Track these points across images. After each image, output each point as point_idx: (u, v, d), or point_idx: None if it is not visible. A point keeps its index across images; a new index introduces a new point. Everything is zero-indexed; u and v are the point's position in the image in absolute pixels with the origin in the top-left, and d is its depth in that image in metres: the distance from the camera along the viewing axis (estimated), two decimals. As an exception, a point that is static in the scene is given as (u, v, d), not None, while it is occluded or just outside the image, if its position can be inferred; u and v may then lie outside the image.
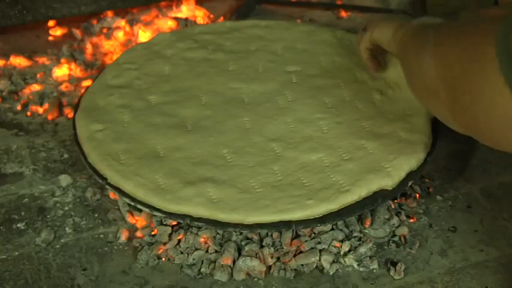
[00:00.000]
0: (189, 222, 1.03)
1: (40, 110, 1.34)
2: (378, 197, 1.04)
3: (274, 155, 1.11)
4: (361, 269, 1.04)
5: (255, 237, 1.06)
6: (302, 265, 1.03)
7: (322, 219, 1.02)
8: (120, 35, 1.53)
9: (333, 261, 1.04)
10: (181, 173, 1.08)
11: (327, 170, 1.07)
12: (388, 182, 1.05)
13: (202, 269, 1.02)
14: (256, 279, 1.02)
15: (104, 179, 1.08)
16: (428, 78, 0.92)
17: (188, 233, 1.06)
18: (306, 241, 1.05)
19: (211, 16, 1.63)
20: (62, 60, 1.46)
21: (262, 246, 1.04)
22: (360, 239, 1.06)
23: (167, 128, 1.16)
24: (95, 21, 1.56)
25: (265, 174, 1.08)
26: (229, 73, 1.30)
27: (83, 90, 1.31)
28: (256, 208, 1.02)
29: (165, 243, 1.06)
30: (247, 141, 1.14)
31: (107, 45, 1.51)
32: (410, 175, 1.08)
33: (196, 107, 1.22)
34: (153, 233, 1.08)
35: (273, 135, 1.15)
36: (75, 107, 1.24)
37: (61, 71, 1.43)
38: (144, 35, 1.52)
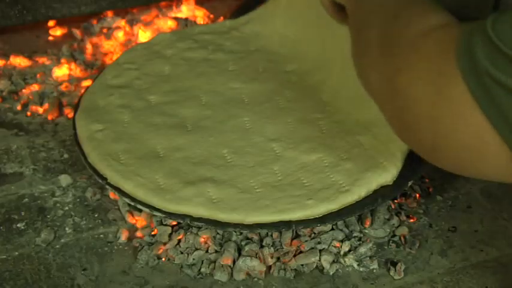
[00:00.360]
0: (189, 222, 1.03)
1: (40, 110, 1.34)
2: (378, 197, 1.04)
3: (274, 155, 1.11)
4: (361, 269, 1.04)
5: (255, 237, 1.06)
6: (302, 265, 1.03)
7: (322, 219, 1.02)
8: (120, 35, 1.53)
9: (333, 261, 1.04)
10: (181, 173, 1.08)
11: (326, 170, 1.07)
12: (387, 178, 1.05)
13: (202, 269, 1.02)
14: (256, 279, 1.02)
15: (104, 179, 1.08)
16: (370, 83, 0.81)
17: (188, 233, 1.06)
18: (306, 241, 1.05)
19: (211, 16, 1.63)
20: (62, 60, 1.46)
21: (262, 246, 1.04)
22: (360, 239, 1.06)
23: (167, 128, 1.16)
24: (95, 21, 1.56)
25: (265, 174, 1.08)
26: (229, 73, 1.30)
27: (83, 90, 1.31)
28: (256, 208, 1.02)
29: (165, 243, 1.06)
30: (247, 141, 1.14)
31: (107, 45, 1.51)
32: (410, 173, 1.07)
33: (196, 107, 1.22)
34: (153, 233, 1.08)
35: (273, 135, 1.15)
36: (75, 107, 1.24)
37: (61, 71, 1.43)
38: (144, 35, 1.52)
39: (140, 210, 1.08)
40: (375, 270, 1.04)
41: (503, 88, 0.63)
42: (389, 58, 0.77)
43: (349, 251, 1.05)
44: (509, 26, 0.64)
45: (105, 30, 1.54)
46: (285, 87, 1.26)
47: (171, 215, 1.03)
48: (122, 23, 1.56)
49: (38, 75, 1.43)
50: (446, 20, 0.75)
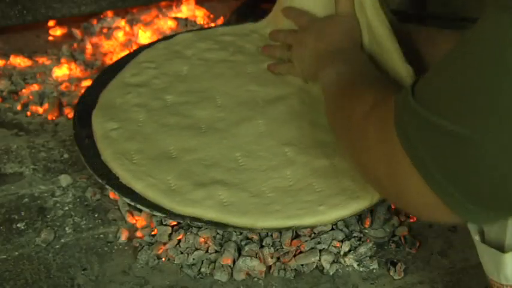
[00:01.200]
0: (189, 222, 1.03)
1: (40, 110, 1.34)
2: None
3: (287, 159, 1.10)
4: (361, 269, 1.04)
5: (255, 237, 1.06)
6: (302, 265, 1.03)
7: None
8: (120, 35, 1.53)
9: (333, 261, 1.04)
10: (193, 175, 1.07)
11: (338, 176, 1.07)
12: None
13: (202, 269, 1.02)
14: (256, 279, 1.02)
15: (105, 179, 1.08)
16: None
17: (188, 233, 1.06)
18: (306, 241, 1.05)
19: (211, 16, 1.63)
20: (62, 60, 1.46)
21: (262, 246, 1.04)
22: (360, 239, 1.06)
23: (181, 129, 1.16)
24: (95, 21, 1.56)
25: (277, 178, 1.07)
26: (247, 75, 1.29)
27: (83, 90, 1.31)
28: (267, 213, 1.01)
29: (165, 243, 1.06)
30: (260, 145, 1.13)
31: (107, 45, 1.51)
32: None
33: (211, 109, 1.21)
34: (153, 233, 1.08)
35: (286, 140, 1.14)
36: (75, 107, 1.24)
37: (61, 71, 1.43)
38: (144, 35, 1.52)
39: (140, 210, 1.08)
40: (374, 270, 1.04)
41: (427, 150, 0.71)
42: (345, 136, 0.92)
43: (349, 251, 1.05)
44: (427, 87, 0.72)
45: (105, 30, 1.54)
46: (302, 90, 1.25)
47: (171, 215, 1.03)
48: (121, 23, 1.56)
49: (38, 75, 1.43)
50: (383, 95, 0.84)
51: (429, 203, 0.73)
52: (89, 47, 1.51)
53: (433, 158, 0.70)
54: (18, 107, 1.35)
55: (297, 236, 1.06)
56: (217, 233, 1.06)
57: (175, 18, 1.59)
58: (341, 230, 1.07)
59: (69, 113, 1.33)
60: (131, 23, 1.56)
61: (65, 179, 1.18)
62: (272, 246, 1.04)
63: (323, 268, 1.03)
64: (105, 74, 1.32)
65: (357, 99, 0.90)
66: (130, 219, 1.10)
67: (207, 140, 1.14)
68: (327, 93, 1.04)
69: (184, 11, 1.63)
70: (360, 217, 1.09)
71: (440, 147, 0.69)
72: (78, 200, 1.15)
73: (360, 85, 0.96)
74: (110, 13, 1.58)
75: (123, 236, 1.08)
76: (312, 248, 1.04)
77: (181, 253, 1.04)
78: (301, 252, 1.04)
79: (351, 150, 0.91)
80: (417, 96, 0.72)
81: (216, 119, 1.19)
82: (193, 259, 1.03)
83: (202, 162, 1.10)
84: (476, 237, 0.81)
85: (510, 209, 0.71)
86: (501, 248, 0.78)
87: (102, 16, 1.57)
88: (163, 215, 1.04)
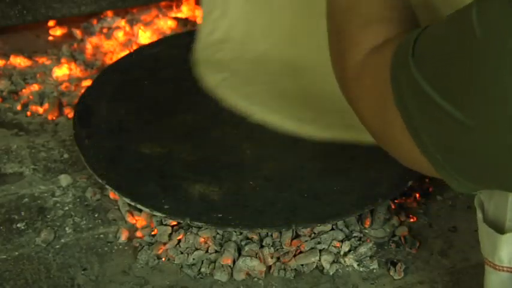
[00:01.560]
0: (189, 222, 1.03)
1: (40, 110, 1.34)
2: (378, 197, 1.05)
3: None
4: (361, 269, 1.04)
5: (255, 237, 1.06)
6: (302, 265, 1.03)
7: (323, 219, 1.02)
8: (120, 35, 1.53)
9: (333, 261, 1.04)
10: (317, 106, 1.13)
11: None
12: None
13: (202, 269, 1.02)
14: (256, 279, 1.02)
15: (105, 179, 1.08)
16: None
17: (188, 233, 1.06)
18: (306, 241, 1.05)
19: (211, 16, 1.63)
20: (62, 60, 1.46)
21: (262, 246, 1.04)
22: (360, 239, 1.06)
23: (284, 74, 1.20)
24: (95, 21, 1.56)
25: None
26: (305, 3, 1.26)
27: (83, 90, 1.31)
28: None
29: (165, 243, 1.06)
30: None
31: (107, 45, 1.51)
32: (410, 173, 1.07)
33: (302, 49, 1.23)
34: (153, 233, 1.08)
35: None
36: (75, 107, 1.25)
37: (61, 71, 1.43)
38: (144, 35, 1.52)
39: (140, 210, 1.08)
40: (375, 270, 1.04)
41: (419, 116, 0.69)
42: (342, 82, 0.86)
43: (349, 251, 1.05)
44: (425, 51, 0.68)
45: (105, 30, 1.54)
46: None
47: (171, 214, 1.03)
48: (122, 23, 1.56)
49: (38, 75, 1.43)
50: (383, 37, 0.79)
51: (414, 155, 0.73)
52: (89, 47, 1.51)
53: (425, 125, 0.69)
54: (18, 107, 1.35)
55: (297, 236, 1.06)
56: (217, 233, 1.06)
57: (175, 18, 1.59)
58: (341, 230, 1.07)
59: (69, 113, 1.32)
60: (131, 23, 1.56)
61: (65, 179, 1.18)
62: (272, 246, 1.04)
63: (323, 268, 1.03)
64: (105, 74, 1.32)
65: (349, 41, 0.84)
66: (130, 219, 1.10)
67: (313, 79, 1.18)
68: (330, 9, 0.91)
69: (184, 11, 1.63)
70: (360, 217, 1.09)
71: (433, 119, 0.68)
72: (78, 200, 1.15)
73: (355, 26, 0.87)
74: (110, 13, 1.58)
75: (123, 236, 1.08)
76: (312, 248, 1.04)
77: (181, 253, 1.04)
78: (301, 252, 1.04)
79: (341, 72, 0.86)
80: (416, 57, 0.69)
81: (311, 59, 1.21)
82: (193, 259, 1.03)
83: (320, 97, 1.15)
84: (480, 215, 0.82)
85: (494, 184, 0.71)
86: (501, 229, 0.79)
87: (102, 16, 1.57)
88: (163, 215, 1.04)
